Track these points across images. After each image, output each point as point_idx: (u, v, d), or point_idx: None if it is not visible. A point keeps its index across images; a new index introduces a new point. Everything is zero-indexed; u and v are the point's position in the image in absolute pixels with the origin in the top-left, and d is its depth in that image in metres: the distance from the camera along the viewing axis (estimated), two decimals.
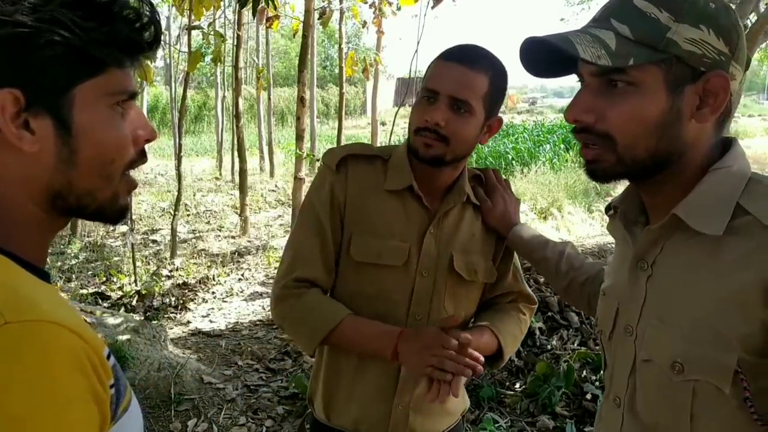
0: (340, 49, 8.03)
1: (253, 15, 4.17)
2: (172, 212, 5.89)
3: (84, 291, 4.84)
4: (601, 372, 3.09)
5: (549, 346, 3.34)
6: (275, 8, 4.82)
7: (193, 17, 5.03)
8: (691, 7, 0.78)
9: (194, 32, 5.86)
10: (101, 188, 0.64)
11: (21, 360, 0.49)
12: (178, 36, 10.68)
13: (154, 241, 6.54)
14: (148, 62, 0.70)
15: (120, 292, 4.85)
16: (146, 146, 0.69)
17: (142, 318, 4.20)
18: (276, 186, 10.11)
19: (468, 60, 1.19)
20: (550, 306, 3.59)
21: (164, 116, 19.21)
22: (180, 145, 6.00)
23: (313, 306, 1.25)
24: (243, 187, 6.93)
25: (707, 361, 0.81)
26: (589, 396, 2.96)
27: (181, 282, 5.18)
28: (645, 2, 0.79)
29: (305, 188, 5.04)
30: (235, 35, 7.08)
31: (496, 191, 1.37)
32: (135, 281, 4.96)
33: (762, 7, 5.52)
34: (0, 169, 0.59)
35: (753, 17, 5.51)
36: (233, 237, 6.86)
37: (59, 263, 5.53)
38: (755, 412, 0.80)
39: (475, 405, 2.97)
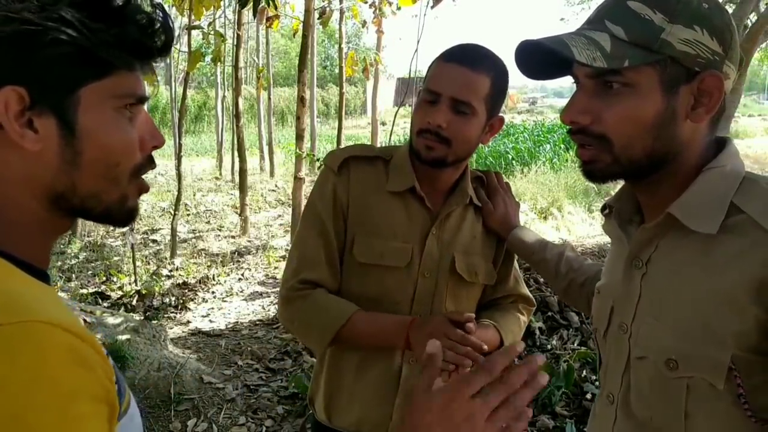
0: (340, 49, 8.03)
1: (254, 15, 4.17)
2: (172, 212, 5.90)
3: (84, 291, 4.84)
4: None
5: (549, 346, 3.34)
6: (275, 8, 4.82)
7: (193, 17, 5.03)
8: (685, 8, 0.79)
9: (194, 32, 5.87)
10: (107, 190, 0.64)
11: (17, 360, 0.48)
12: (178, 36, 10.68)
13: (154, 241, 6.55)
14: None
15: (120, 292, 4.85)
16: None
17: (142, 318, 4.20)
18: (276, 186, 10.11)
19: (469, 61, 1.18)
20: (550, 306, 3.59)
21: (164, 116, 19.21)
22: (180, 144, 6.00)
23: (320, 305, 1.26)
24: (243, 187, 6.93)
25: (701, 358, 0.82)
26: (589, 396, 2.95)
27: (181, 282, 5.18)
28: (639, 3, 0.80)
29: (305, 188, 5.04)
30: (235, 35, 7.08)
31: (497, 194, 1.37)
32: (135, 281, 4.97)
33: (762, 7, 5.52)
34: (3, 168, 0.59)
35: (753, 17, 5.51)
36: (233, 237, 6.86)
37: (59, 263, 5.53)
38: (749, 408, 0.81)
39: None
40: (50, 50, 0.57)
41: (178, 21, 7.49)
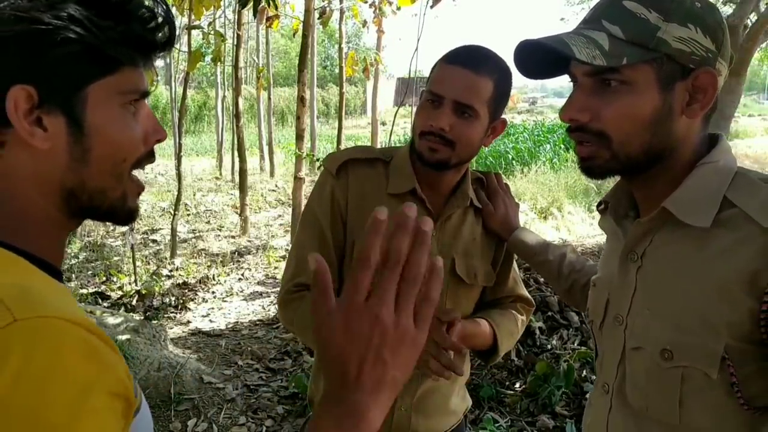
0: (340, 49, 8.03)
1: (254, 15, 4.17)
2: (172, 212, 5.90)
3: (84, 291, 4.84)
4: None
5: (549, 346, 3.34)
6: (275, 8, 4.82)
7: (193, 17, 5.03)
8: (679, 7, 0.81)
9: (194, 32, 5.87)
10: (112, 187, 0.64)
11: (33, 355, 0.48)
12: (178, 36, 10.68)
13: (154, 241, 6.54)
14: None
15: (120, 292, 4.85)
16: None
17: (142, 318, 4.20)
18: (276, 186, 10.11)
19: (473, 64, 1.17)
20: (550, 306, 3.58)
21: (164, 116, 19.21)
22: (180, 144, 6.00)
23: None
24: (243, 187, 6.93)
25: (695, 348, 0.84)
26: (589, 396, 2.95)
27: (181, 282, 5.18)
28: (634, 3, 0.82)
29: (305, 188, 5.04)
30: (235, 35, 7.08)
31: (497, 195, 1.37)
32: (135, 281, 4.96)
33: (762, 7, 5.52)
34: (14, 166, 0.59)
35: (753, 17, 5.51)
36: (233, 237, 6.86)
37: None
38: (741, 396, 0.83)
39: (476, 404, 2.97)
40: (59, 49, 0.57)
41: (178, 21, 7.48)
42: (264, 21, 5.76)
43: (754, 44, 5.07)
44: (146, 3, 0.63)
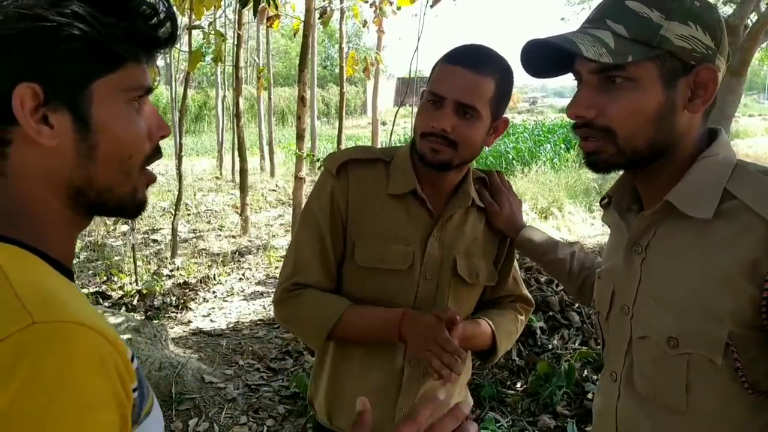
0: (341, 49, 8.03)
1: (254, 14, 4.17)
2: (173, 212, 5.89)
3: (85, 290, 4.84)
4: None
5: (550, 346, 3.34)
6: (276, 8, 4.82)
7: (193, 17, 5.03)
8: (679, 6, 0.84)
9: (195, 32, 5.87)
10: (120, 183, 0.65)
11: (45, 361, 0.49)
12: (179, 34, 10.68)
13: (154, 241, 6.54)
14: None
15: (121, 292, 4.85)
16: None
17: (143, 317, 4.20)
18: (276, 185, 10.11)
19: (474, 64, 1.17)
20: (551, 305, 3.59)
21: (164, 116, 19.10)
22: (180, 144, 6.00)
23: (313, 303, 1.26)
24: (243, 187, 6.93)
25: (700, 335, 0.87)
26: (590, 395, 2.95)
27: (181, 281, 5.18)
28: (636, 3, 0.85)
29: (306, 187, 5.04)
30: (236, 35, 7.08)
31: (501, 194, 1.36)
32: (136, 281, 4.96)
33: (762, 7, 5.52)
34: (21, 164, 0.60)
35: (754, 17, 5.51)
36: (234, 236, 6.86)
37: None
38: (746, 381, 0.87)
39: (477, 404, 2.97)
40: (64, 46, 0.57)
41: (179, 20, 7.48)
42: (264, 21, 5.76)
43: (754, 44, 5.07)
44: (148, 0, 0.63)
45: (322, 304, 1.26)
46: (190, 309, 4.67)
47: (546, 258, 1.34)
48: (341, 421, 1.33)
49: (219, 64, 6.83)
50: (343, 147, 7.34)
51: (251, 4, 3.69)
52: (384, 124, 13.71)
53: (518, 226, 1.35)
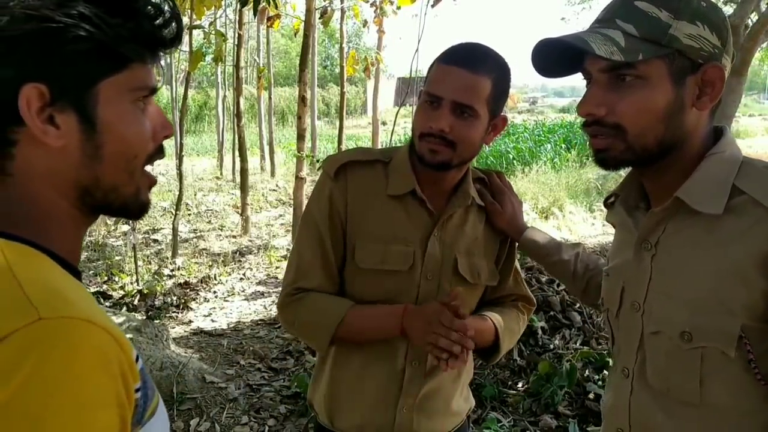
0: (341, 49, 8.03)
1: (254, 14, 4.17)
2: (174, 212, 5.90)
3: None
4: (604, 371, 3.09)
5: (551, 346, 3.34)
6: (276, 7, 4.82)
7: (194, 16, 5.03)
8: (686, 6, 0.87)
9: (195, 31, 5.87)
10: (125, 183, 0.65)
11: (50, 357, 0.49)
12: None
13: (155, 241, 6.54)
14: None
15: (122, 292, 4.85)
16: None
17: (144, 317, 4.20)
18: (277, 185, 10.11)
19: (470, 63, 1.16)
20: (553, 305, 3.59)
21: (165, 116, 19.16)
22: (181, 144, 6.00)
23: (316, 306, 1.26)
24: (244, 187, 6.93)
25: (714, 328, 0.89)
26: (591, 395, 2.95)
27: (182, 281, 5.18)
28: (645, 3, 0.88)
29: (306, 187, 5.05)
30: (236, 35, 7.08)
31: (503, 194, 1.36)
32: (137, 280, 4.97)
33: (763, 7, 5.52)
34: (28, 164, 0.60)
35: (754, 17, 5.51)
36: (234, 236, 6.86)
37: None
38: (759, 373, 0.89)
39: (478, 404, 2.97)
40: (70, 47, 0.58)
41: None
42: (265, 21, 5.76)
43: (754, 44, 5.06)
44: (153, 0, 0.63)
45: (324, 307, 1.26)
46: (191, 309, 4.67)
47: (550, 259, 1.34)
48: (342, 422, 1.32)
49: (219, 64, 6.84)
50: (343, 147, 7.35)
51: (251, 4, 3.69)
52: (384, 124, 13.71)
53: (521, 227, 1.35)
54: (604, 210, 1.21)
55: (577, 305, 3.63)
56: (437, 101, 1.17)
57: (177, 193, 5.89)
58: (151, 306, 4.62)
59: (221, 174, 11.40)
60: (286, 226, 7.28)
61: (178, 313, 4.58)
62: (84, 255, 5.81)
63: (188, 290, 5.01)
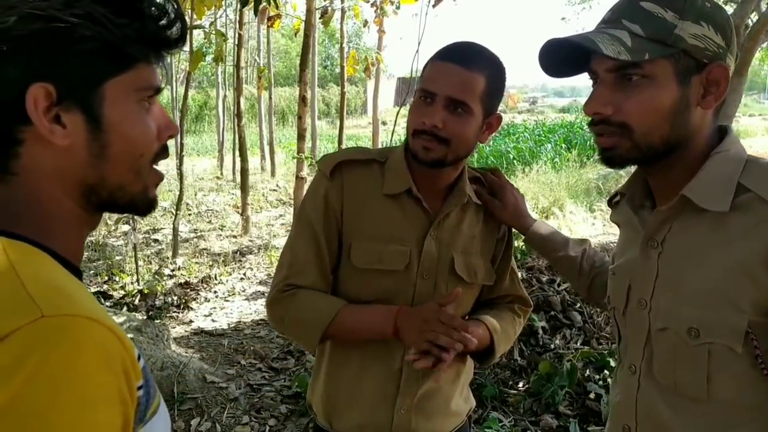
0: (342, 49, 8.03)
1: (255, 14, 4.17)
2: (174, 212, 5.90)
3: None
4: (605, 371, 3.10)
5: (552, 346, 3.34)
6: (277, 7, 4.82)
7: (194, 16, 5.03)
8: (691, 7, 0.88)
9: (196, 31, 5.87)
10: (132, 182, 0.65)
11: (53, 354, 0.49)
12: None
13: (155, 241, 6.55)
14: None
15: (122, 292, 4.85)
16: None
17: (145, 317, 4.20)
18: (277, 185, 10.11)
19: (464, 60, 1.17)
20: (553, 305, 3.59)
21: None
22: (181, 144, 6.00)
23: (307, 304, 1.25)
24: (244, 187, 6.93)
25: (721, 324, 0.90)
26: (592, 395, 2.96)
27: (183, 281, 5.18)
28: (651, 3, 0.89)
29: (306, 187, 5.04)
30: (237, 34, 7.08)
31: (505, 189, 1.35)
32: (137, 280, 4.97)
33: (763, 7, 5.51)
34: (34, 163, 0.60)
35: (754, 17, 5.51)
36: (235, 236, 6.86)
37: None
38: (765, 368, 0.90)
39: (479, 404, 2.97)
40: (77, 46, 0.58)
41: None
42: (265, 21, 5.76)
43: (755, 44, 5.06)
44: (158, 0, 0.63)
45: (316, 304, 1.25)
46: (192, 309, 4.67)
47: (556, 254, 1.34)
48: (341, 423, 1.32)
49: (220, 63, 6.83)
50: (344, 147, 7.33)
51: (252, 4, 3.69)
52: (384, 124, 13.71)
53: (527, 220, 1.35)
54: (605, 210, 1.21)
55: (578, 305, 3.63)
56: (431, 97, 1.17)
57: (177, 193, 5.89)
58: (152, 306, 4.62)
59: (221, 174, 11.40)
60: (286, 226, 7.28)
61: (178, 312, 4.58)
62: (84, 255, 5.79)
63: (189, 290, 5.01)
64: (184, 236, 6.67)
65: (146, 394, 0.59)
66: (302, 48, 4.95)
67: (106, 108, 0.61)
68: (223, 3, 6.56)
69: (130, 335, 3.45)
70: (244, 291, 5.15)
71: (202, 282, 5.22)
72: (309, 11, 5.08)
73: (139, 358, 0.59)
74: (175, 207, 5.96)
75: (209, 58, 6.03)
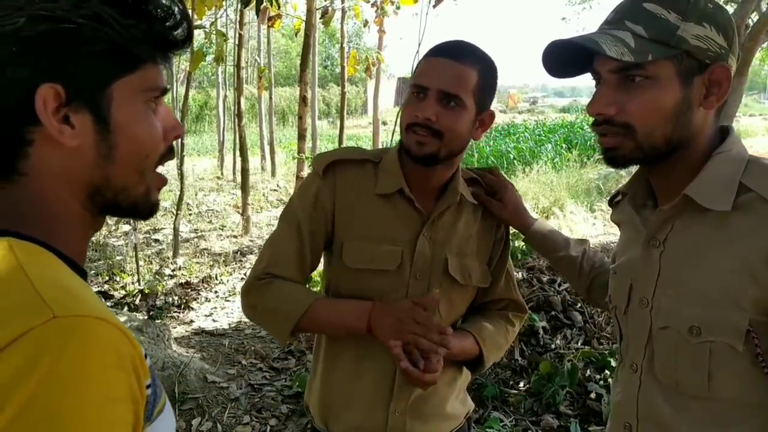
0: (342, 49, 8.03)
1: (257, 14, 4.18)
2: (175, 211, 5.90)
3: None
4: (605, 371, 3.10)
5: (553, 346, 3.34)
6: (278, 7, 4.83)
7: (195, 16, 5.03)
8: (694, 8, 0.89)
9: (196, 31, 5.86)
10: (136, 183, 0.65)
11: (66, 355, 0.49)
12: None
13: (156, 241, 6.55)
14: None
15: (123, 292, 4.85)
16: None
17: (146, 317, 4.20)
18: (277, 185, 10.11)
19: (456, 54, 1.17)
20: (554, 305, 3.59)
21: None
22: (182, 144, 6.00)
23: (283, 293, 1.23)
24: (245, 187, 6.93)
25: (722, 323, 0.91)
26: (593, 395, 2.96)
27: (183, 281, 5.18)
28: (653, 5, 0.90)
29: None
30: (237, 35, 7.08)
31: (506, 188, 1.35)
32: (138, 280, 4.97)
33: (763, 7, 5.51)
34: (43, 164, 0.60)
35: (755, 16, 5.51)
36: (235, 236, 6.86)
37: None
38: (765, 366, 0.91)
39: (479, 404, 2.97)
40: (85, 47, 0.58)
41: None
42: (266, 21, 5.76)
43: (755, 44, 5.06)
44: (164, 2, 0.63)
45: (291, 294, 1.23)
46: (192, 309, 4.68)
47: (557, 254, 1.34)
48: (337, 426, 1.31)
49: (220, 63, 6.84)
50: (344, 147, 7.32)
51: (254, 4, 3.69)
52: (385, 123, 13.71)
53: (527, 219, 1.35)
54: (605, 210, 1.22)
55: (579, 305, 3.63)
56: (424, 92, 1.17)
57: (178, 193, 5.89)
58: (153, 306, 4.63)
59: (222, 174, 11.40)
60: None
61: (179, 312, 4.58)
62: None
63: (189, 290, 5.01)
64: (185, 236, 6.67)
65: (153, 393, 0.60)
66: (303, 48, 4.95)
67: (114, 108, 0.61)
68: (224, 3, 6.56)
69: None
70: None
71: (202, 282, 5.22)
72: (309, 11, 5.08)
73: (146, 356, 0.59)
74: (175, 207, 5.96)
75: (210, 58, 6.05)
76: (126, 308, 4.48)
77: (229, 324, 4.37)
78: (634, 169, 1.07)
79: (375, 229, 1.25)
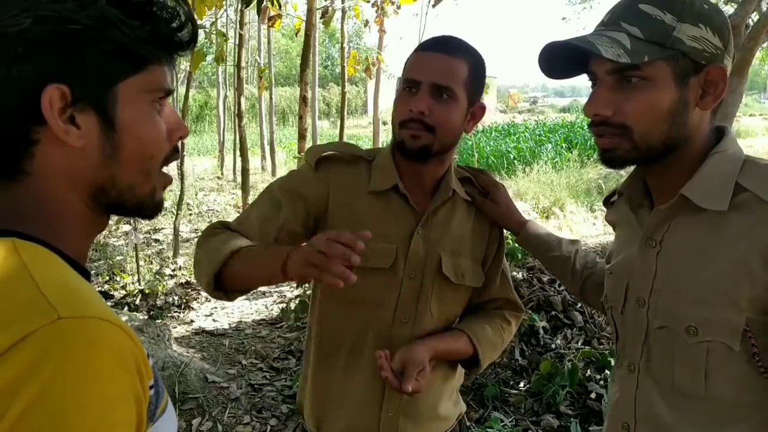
0: (342, 48, 8.03)
1: (258, 14, 4.18)
2: (175, 211, 5.90)
3: None
4: (606, 371, 3.10)
5: (553, 345, 3.34)
6: (279, 7, 4.83)
7: (195, 16, 5.03)
8: (690, 9, 0.89)
9: None
10: (141, 183, 0.66)
11: (70, 356, 0.49)
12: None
13: (156, 241, 6.55)
14: None
15: (123, 291, 4.85)
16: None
17: (146, 317, 4.21)
18: None
19: (445, 48, 1.18)
20: (554, 305, 3.59)
21: None
22: (182, 144, 6.00)
23: (220, 241, 1.13)
24: (245, 187, 6.92)
25: (719, 322, 0.91)
26: (593, 395, 2.96)
27: (184, 281, 5.18)
28: (649, 6, 0.90)
29: None
30: (237, 34, 7.08)
31: (497, 188, 1.35)
32: (138, 280, 4.97)
33: (763, 7, 5.52)
34: (48, 164, 0.60)
35: (755, 17, 5.51)
36: None
37: None
38: (762, 365, 0.91)
39: (480, 404, 2.97)
40: (91, 48, 0.58)
41: None
42: (266, 21, 5.76)
43: (755, 44, 5.06)
44: (169, 3, 0.64)
45: (225, 243, 1.11)
46: (193, 309, 4.68)
47: (549, 254, 1.35)
48: (328, 427, 1.30)
49: (220, 63, 6.84)
50: None
51: (254, 3, 3.70)
52: (385, 123, 13.71)
53: (520, 220, 1.35)
54: (605, 209, 1.22)
55: (579, 305, 3.63)
56: (416, 86, 1.17)
57: (178, 192, 5.89)
58: (153, 306, 4.63)
59: (222, 174, 11.41)
60: None
61: (179, 312, 4.58)
62: None
63: (190, 290, 5.01)
64: (185, 236, 6.67)
65: (156, 393, 0.60)
66: (303, 48, 4.95)
67: (119, 109, 0.61)
68: (224, 3, 6.57)
69: None
70: None
71: None
72: (310, 11, 5.08)
73: (148, 357, 0.59)
74: (176, 207, 5.96)
75: (210, 58, 6.05)
76: (126, 308, 4.48)
77: (230, 324, 4.37)
78: (633, 169, 1.07)
79: (368, 226, 1.21)
